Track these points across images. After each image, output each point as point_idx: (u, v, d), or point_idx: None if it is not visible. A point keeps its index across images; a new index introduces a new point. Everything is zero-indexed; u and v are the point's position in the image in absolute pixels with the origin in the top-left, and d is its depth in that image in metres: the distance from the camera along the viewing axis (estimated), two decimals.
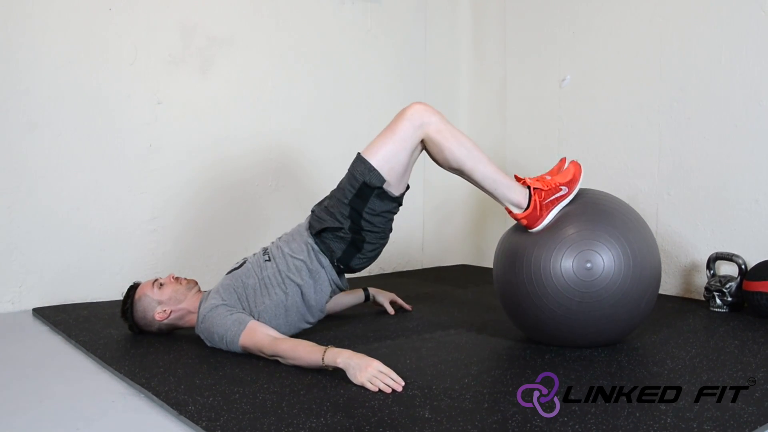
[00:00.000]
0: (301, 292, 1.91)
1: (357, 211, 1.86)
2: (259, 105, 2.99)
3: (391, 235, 1.97)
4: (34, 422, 1.40)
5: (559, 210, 1.84)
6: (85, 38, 2.57)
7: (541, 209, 1.82)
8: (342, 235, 1.87)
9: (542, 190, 1.83)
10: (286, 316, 1.91)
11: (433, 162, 1.94)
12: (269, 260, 1.94)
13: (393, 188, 1.88)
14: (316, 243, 1.91)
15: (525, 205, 1.84)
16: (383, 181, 1.84)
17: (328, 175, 3.18)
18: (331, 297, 1.99)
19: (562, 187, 1.85)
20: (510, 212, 1.87)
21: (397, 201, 1.92)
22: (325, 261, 1.92)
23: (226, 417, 1.35)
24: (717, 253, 2.47)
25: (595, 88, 2.99)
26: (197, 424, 1.32)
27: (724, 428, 1.28)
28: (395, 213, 1.94)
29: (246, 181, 2.96)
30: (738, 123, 2.50)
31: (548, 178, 1.88)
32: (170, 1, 2.74)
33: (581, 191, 1.92)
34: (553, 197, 1.84)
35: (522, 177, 1.89)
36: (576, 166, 1.90)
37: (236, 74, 2.92)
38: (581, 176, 1.89)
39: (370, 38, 3.31)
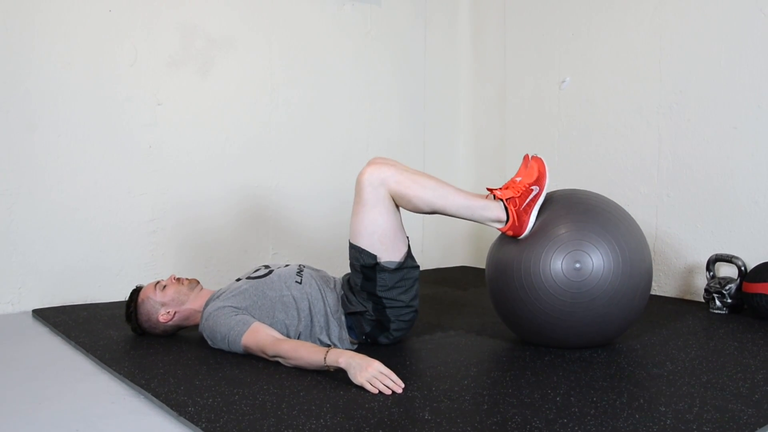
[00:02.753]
0: (311, 324, 1.90)
1: (371, 293, 1.86)
2: (258, 106, 2.99)
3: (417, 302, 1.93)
4: (33, 424, 1.40)
5: (537, 209, 1.85)
6: (86, 39, 2.57)
7: (520, 216, 1.83)
8: (368, 317, 1.88)
9: (515, 197, 1.84)
10: (288, 336, 1.90)
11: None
12: (300, 283, 1.93)
13: (391, 255, 1.85)
14: (346, 317, 1.91)
15: (505, 219, 1.84)
16: (374, 256, 1.84)
17: (328, 176, 3.19)
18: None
19: (532, 188, 1.85)
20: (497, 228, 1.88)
21: (404, 266, 1.88)
22: (345, 334, 1.91)
23: (225, 418, 1.35)
24: (716, 255, 2.47)
25: (594, 90, 3.00)
26: (197, 425, 1.32)
27: (724, 430, 1.29)
28: (411, 278, 1.90)
29: (245, 182, 2.96)
30: (737, 125, 2.51)
31: (519, 179, 1.88)
32: (170, 2, 2.74)
33: (562, 192, 1.93)
34: (528, 200, 1.84)
35: (493, 188, 1.89)
36: (537, 161, 1.90)
37: (236, 76, 2.92)
38: (546, 170, 1.88)
39: (369, 40, 3.31)
